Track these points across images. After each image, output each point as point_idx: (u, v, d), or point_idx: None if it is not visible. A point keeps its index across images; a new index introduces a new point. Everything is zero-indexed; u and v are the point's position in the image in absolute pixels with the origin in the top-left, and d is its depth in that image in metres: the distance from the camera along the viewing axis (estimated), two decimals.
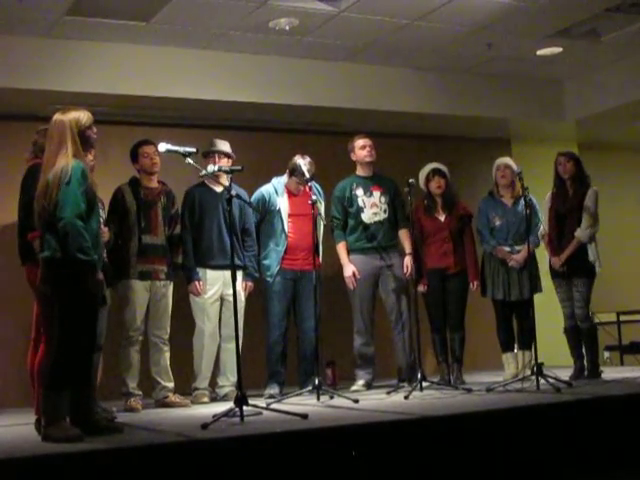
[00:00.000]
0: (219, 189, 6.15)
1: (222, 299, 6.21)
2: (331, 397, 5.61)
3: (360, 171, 6.58)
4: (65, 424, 4.08)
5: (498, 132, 8.71)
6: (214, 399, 6.19)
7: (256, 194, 6.44)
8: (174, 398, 5.93)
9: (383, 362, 6.74)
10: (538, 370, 5.53)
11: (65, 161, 4.14)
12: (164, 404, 5.90)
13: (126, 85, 6.76)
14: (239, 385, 4.73)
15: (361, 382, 6.38)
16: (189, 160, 4.77)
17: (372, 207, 6.48)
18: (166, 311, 6.03)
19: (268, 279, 6.32)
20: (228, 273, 5.61)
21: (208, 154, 6.26)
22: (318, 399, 5.52)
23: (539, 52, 7.60)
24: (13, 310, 6.51)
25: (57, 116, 4.28)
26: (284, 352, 6.32)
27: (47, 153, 4.25)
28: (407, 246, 6.43)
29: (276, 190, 6.38)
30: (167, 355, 6.02)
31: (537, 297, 6.02)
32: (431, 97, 7.92)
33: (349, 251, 6.47)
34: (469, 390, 5.79)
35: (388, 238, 6.49)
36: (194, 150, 4.82)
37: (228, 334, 6.04)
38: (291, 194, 6.38)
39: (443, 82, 7.95)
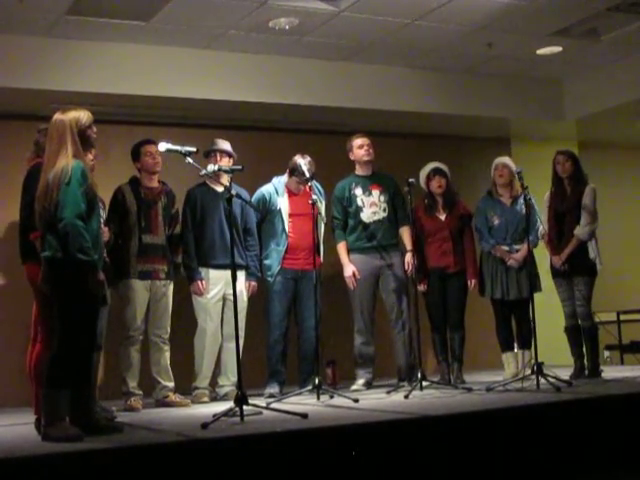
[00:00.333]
0: (220, 189, 6.16)
1: (224, 299, 6.21)
2: (331, 396, 5.61)
3: (359, 170, 6.58)
4: (65, 424, 4.08)
5: (498, 131, 8.71)
6: (214, 398, 6.20)
7: (257, 194, 6.44)
8: (174, 398, 5.94)
9: (383, 362, 6.74)
10: (538, 369, 5.53)
11: (65, 161, 4.14)
12: (164, 403, 5.91)
13: (126, 85, 6.76)
14: (239, 384, 4.73)
15: (361, 381, 6.38)
16: (189, 160, 4.77)
17: (371, 206, 6.47)
18: (166, 310, 6.04)
19: (269, 279, 6.33)
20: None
21: (209, 153, 6.26)
22: (318, 398, 5.53)
23: (539, 51, 7.60)
24: (13, 310, 6.51)
25: (57, 116, 4.28)
26: (284, 352, 6.32)
27: (47, 153, 4.25)
28: (408, 243, 6.43)
29: (276, 190, 6.38)
30: (167, 355, 6.02)
31: (537, 296, 6.02)
32: (431, 97, 7.92)
33: (349, 251, 6.47)
34: (469, 389, 5.80)
35: (388, 237, 6.49)
36: (194, 150, 4.82)
37: (230, 333, 6.03)
38: (292, 194, 6.38)
39: (443, 82, 7.95)
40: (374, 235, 6.44)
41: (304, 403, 5.36)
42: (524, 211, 6.12)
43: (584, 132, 8.97)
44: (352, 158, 6.57)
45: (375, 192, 6.50)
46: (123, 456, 3.64)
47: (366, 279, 6.40)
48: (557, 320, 6.59)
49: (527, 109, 8.37)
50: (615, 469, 4.41)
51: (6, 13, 6.07)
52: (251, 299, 6.37)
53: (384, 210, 6.49)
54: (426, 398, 5.44)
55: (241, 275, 6.20)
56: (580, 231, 6.29)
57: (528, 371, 5.74)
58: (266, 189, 6.42)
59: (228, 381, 6.20)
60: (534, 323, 5.86)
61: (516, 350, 6.51)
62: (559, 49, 7.55)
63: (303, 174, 6.11)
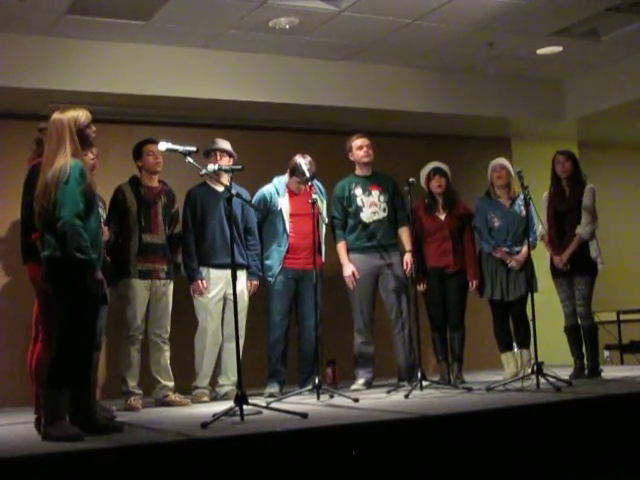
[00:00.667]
0: (220, 188, 6.16)
1: (225, 298, 6.21)
2: (331, 396, 5.61)
3: (359, 170, 6.58)
4: (65, 423, 4.08)
5: (498, 131, 8.71)
6: (214, 398, 6.20)
7: (257, 194, 6.44)
8: (174, 397, 5.94)
9: (383, 361, 6.73)
10: (538, 369, 5.53)
11: (64, 160, 4.14)
12: (164, 403, 5.91)
13: (126, 84, 6.75)
14: (239, 384, 4.73)
15: (361, 381, 6.38)
16: (189, 159, 4.77)
17: (371, 206, 6.47)
18: (166, 310, 6.04)
19: (270, 279, 6.32)
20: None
21: (209, 153, 6.26)
22: (318, 398, 5.53)
23: (539, 51, 7.60)
24: (13, 309, 6.51)
25: (56, 115, 4.28)
26: (285, 351, 6.32)
27: (46, 152, 4.25)
28: (407, 243, 6.43)
29: (277, 190, 6.38)
30: (167, 354, 6.02)
31: (537, 296, 6.01)
32: (431, 96, 7.92)
33: (349, 250, 6.47)
34: (469, 389, 5.80)
35: (388, 237, 6.49)
36: (194, 149, 4.82)
37: (230, 333, 6.02)
38: (292, 194, 6.38)
39: (443, 81, 7.95)
40: (374, 235, 6.44)
41: (304, 403, 5.36)
42: (523, 212, 6.13)
43: (584, 132, 8.97)
44: (352, 158, 6.57)
45: (375, 192, 6.50)
46: (123, 456, 3.64)
47: (366, 279, 6.40)
48: (557, 320, 6.59)
49: (527, 109, 8.37)
50: (615, 469, 4.41)
51: (6, 12, 6.07)
52: (252, 299, 6.37)
53: (384, 210, 6.49)
54: (426, 398, 5.44)
55: (242, 275, 6.20)
56: (582, 230, 6.29)
57: (528, 370, 5.74)
58: (267, 189, 6.42)
59: (228, 381, 6.20)
60: (534, 323, 5.85)
61: (515, 350, 6.51)
62: (559, 49, 7.55)
63: (303, 174, 6.11)
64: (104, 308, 5.15)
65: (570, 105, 8.48)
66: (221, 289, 6.19)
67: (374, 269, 6.43)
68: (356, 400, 5.29)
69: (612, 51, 7.63)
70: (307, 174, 6.07)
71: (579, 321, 6.36)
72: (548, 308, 6.98)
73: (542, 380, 5.51)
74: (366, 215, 6.46)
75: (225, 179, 5.90)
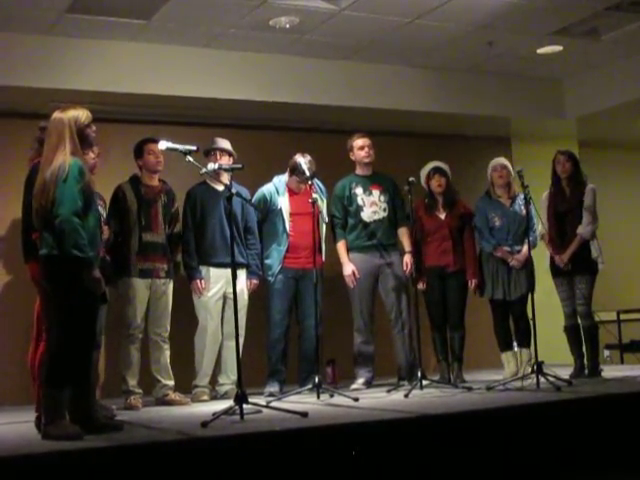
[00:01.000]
0: (220, 187, 6.16)
1: (225, 297, 6.21)
2: (331, 395, 5.61)
3: (359, 170, 6.58)
4: (65, 422, 4.09)
5: (498, 130, 8.71)
6: (214, 397, 6.20)
7: (257, 194, 6.44)
8: (174, 396, 5.94)
9: (383, 360, 6.73)
10: (538, 369, 5.53)
11: (62, 158, 4.15)
12: (164, 402, 5.91)
13: (127, 83, 6.75)
14: (239, 383, 4.74)
15: (361, 380, 6.38)
16: (189, 158, 4.77)
17: (372, 206, 6.48)
18: (166, 309, 6.04)
19: (270, 278, 6.32)
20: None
21: (209, 152, 6.26)
22: (318, 397, 5.53)
23: (539, 51, 7.59)
24: (14, 308, 6.51)
25: (56, 114, 4.28)
26: (285, 350, 6.32)
27: (45, 151, 4.25)
28: (407, 244, 6.44)
29: (277, 189, 6.38)
30: (167, 353, 6.02)
31: (537, 296, 6.02)
32: (431, 95, 7.92)
33: (349, 249, 6.47)
34: (469, 389, 5.80)
35: (388, 236, 6.49)
36: (194, 148, 4.82)
37: (230, 332, 6.02)
38: (292, 193, 6.38)
39: (443, 80, 7.94)
40: (374, 234, 6.44)
41: (304, 402, 5.36)
42: (523, 211, 6.14)
43: (584, 131, 8.97)
44: (352, 158, 6.57)
45: (375, 192, 6.51)
46: (123, 454, 3.64)
47: (366, 278, 6.40)
48: (557, 319, 6.59)
49: (527, 108, 8.37)
50: (615, 469, 4.41)
51: (6, 11, 6.07)
52: (252, 298, 6.37)
53: (384, 210, 6.49)
54: (426, 397, 5.44)
55: (242, 274, 6.21)
56: (583, 230, 6.29)
57: (528, 370, 5.74)
58: (267, 188, 6.42)
59: (228, 380, 6.20)
60: (534, 322, 5.86)
61: (515, 349, 6.51)
62: (560, 48, 7.55)
63: (303, 173, 6.11)
64: (103, 307, 5.15)
65: (570, 104, 8.48)
66: (221, 288, 6.19)
67: (374, 268, 6.43)
68: (356, 399, 5.29)
69: (612, 50, 7.63)
70: (307, 173, 6.07)
71: (579, 320, 6.37)
72: (548, 308, 6.98)
73: (542, 379, 5.51)
74: (367, 214, 6.46)
75: (225, 178, 5.90)
